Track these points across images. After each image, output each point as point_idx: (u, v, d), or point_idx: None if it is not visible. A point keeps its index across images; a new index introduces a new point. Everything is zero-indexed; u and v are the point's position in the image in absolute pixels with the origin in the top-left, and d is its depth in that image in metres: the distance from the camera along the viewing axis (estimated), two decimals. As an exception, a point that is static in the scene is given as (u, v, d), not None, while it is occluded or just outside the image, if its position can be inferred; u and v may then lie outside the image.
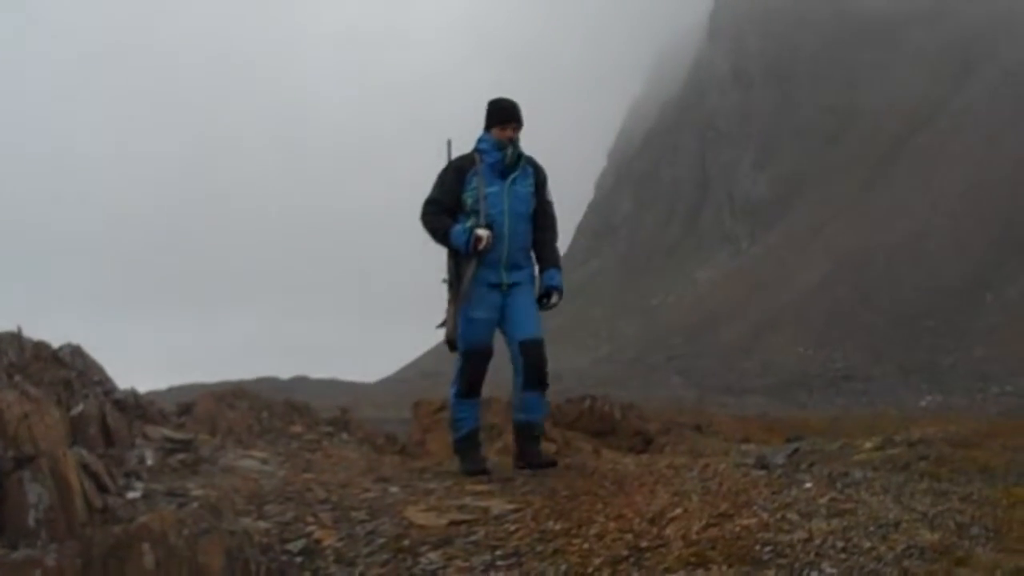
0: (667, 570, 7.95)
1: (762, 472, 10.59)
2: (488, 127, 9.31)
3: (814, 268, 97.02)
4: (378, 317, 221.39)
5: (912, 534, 9.29)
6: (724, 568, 7.62)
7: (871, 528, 9.24)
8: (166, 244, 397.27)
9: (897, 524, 9.57)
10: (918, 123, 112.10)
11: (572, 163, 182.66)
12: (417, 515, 10.10)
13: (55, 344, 12.05)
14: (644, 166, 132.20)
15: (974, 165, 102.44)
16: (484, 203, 8.92)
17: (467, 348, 9.21)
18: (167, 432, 11.72)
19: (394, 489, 11.08)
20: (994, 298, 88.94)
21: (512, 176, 9.14)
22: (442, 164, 9.43)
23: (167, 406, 14.52)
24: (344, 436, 15.81)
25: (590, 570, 8.17)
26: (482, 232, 8.81)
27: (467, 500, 10.59)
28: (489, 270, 9.04)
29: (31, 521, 9.46)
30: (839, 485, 10.70)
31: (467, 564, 8.94)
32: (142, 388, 13.04)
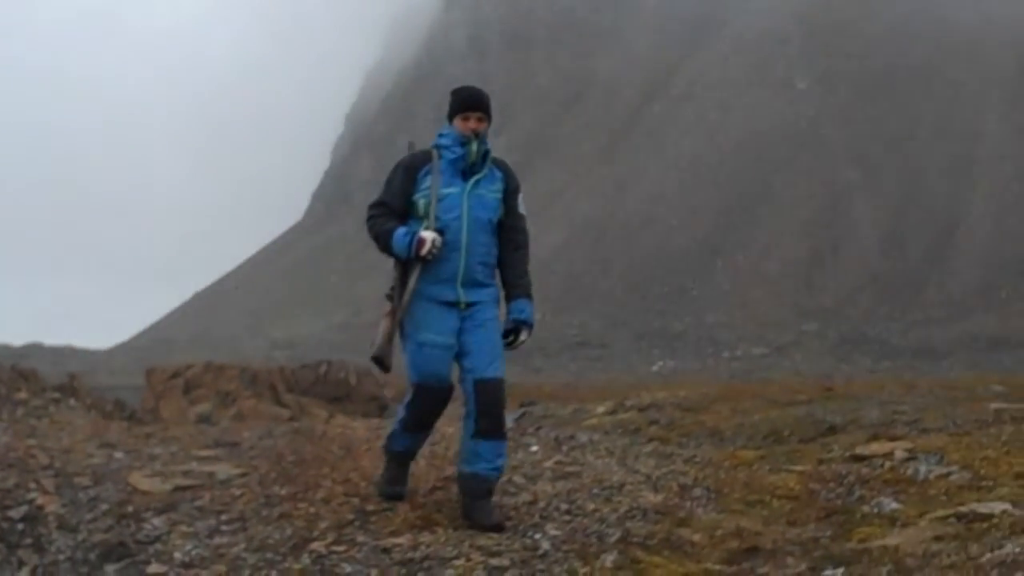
0: (393, 533, 8.00)
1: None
2: (450, 118, 7.83)
3: (551, 235, 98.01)
4: (117, 282, 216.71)
5: (635, 496, 9.51)
6: (449, 531, 7.70)
7: (595, 490, 9.43)
8: None
9: (621, 486, 9.79)
10: (653, 91, 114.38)
11: (309, 128, 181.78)
12: (142, 481, 9.96)
13: None
14: (381, 132, 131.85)
15: (706, 132, 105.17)
16: (437, 206, 7.47)
17: (418, 380, 7.55)
18: None
19: (119, 455, 10.88)
20: (724, 264, 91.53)
21: (476, 177, 7.62)
22: None
23: None
24: (72, 402, 15.52)
25: (315, 534, 8.17)
26: (427, 234, 7.31)
27: (193, 466, 10.46)
28: (442, 286, 7.50)
29: None
30: (565, 448, 10.89)
31: (191, 529, 8.84)
32: None
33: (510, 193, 7.81)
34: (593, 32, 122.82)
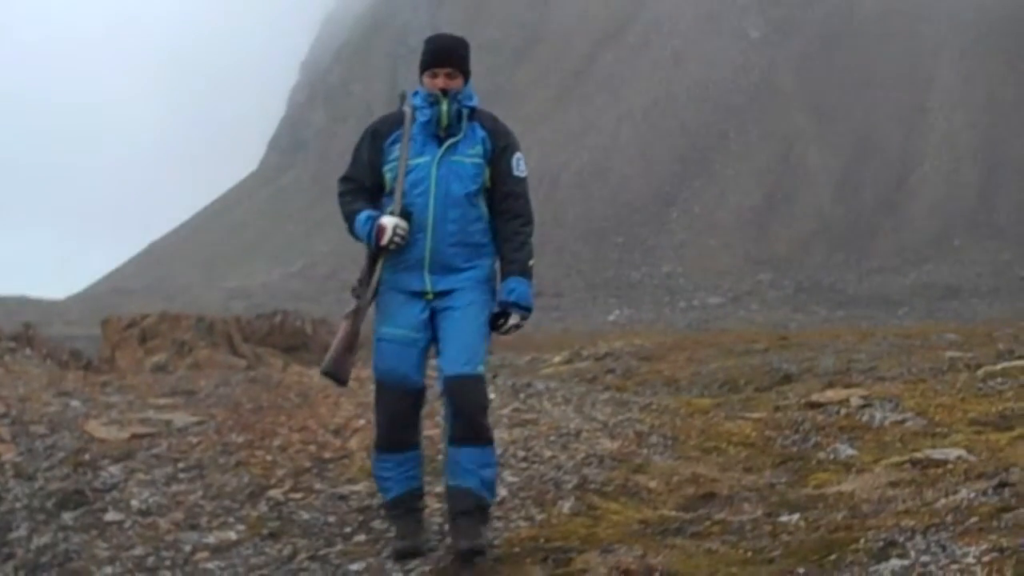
0: (350, 480, 8.03)
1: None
2: (420, 74, 6.65)
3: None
4: (70, 232, 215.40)
5: (592, 443, 9.56)
6: (405, 478, 7.67)
7: (552, 438, 9.48)
8: None
9: (578, 433, 9.84)
10: (606, 40, 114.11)
11: (264, 76, 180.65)
12: (98, 429, 9.95)
13: None
14: (336, 81, 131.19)
15: (660, 82, 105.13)
16: (404, 180, 6.37)
17: (376, 378, 6.57)
18: None
19: (75, 403, 10.87)
20: (679, 214, 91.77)
21: (451, 141, 6.45)
22: None
23: None
24: (27, 352, 15.46)
25: (273, 481, 8.19)
26: (387, 220, 6.27)
27: (150, 414, 10.47)
28: (407, 274, 6.42)
29: None
30: (522, 396, 10.93)
31: (148, 477, 8.85)
32: None
33: (498, 154, 6.58)
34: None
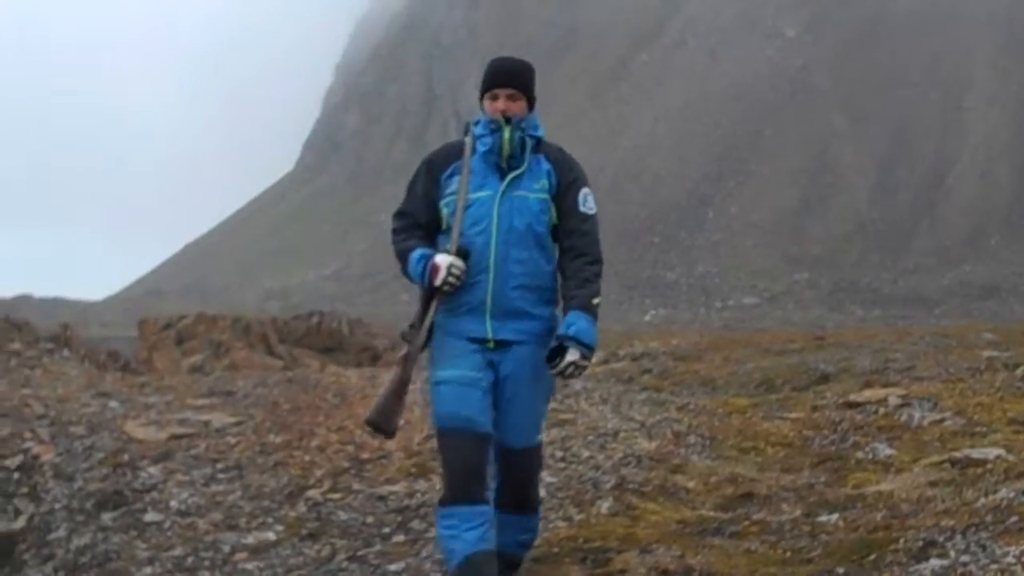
0: (388, 480, 8.04)
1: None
2: (480, 99, 6.00)
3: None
4: (108, 234, 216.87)
5: (630, 443, 9.56)
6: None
7: (590, 438, 9.48)
8: None
9: (615, 434, 9.84)
10: (641, 39, 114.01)
11: (299, 78, 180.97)
12: (137, 429, 10.02)
13: None
14: (371, 83, 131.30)
15: (695, 81, 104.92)
16: (463, 216, 5.67)
17: (438, 425, 5.81)
18: None
19: (114, 404, 10.94)
20: (715, 214, 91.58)
21: (514, 174, 5.75)
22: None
23: None
24: (65, 353, 15.53)
25: (311, 482, 8.21)
26: (441, 259, 5.59)
27: (188, 414, 10.53)
28: (467, 319, 5.70)
29: None
30: (559, 396, 10.91)
31: (187, 478, 8.89)
32: None
33: (564, 189, 5.85)
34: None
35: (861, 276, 79.51)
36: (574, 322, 5.63)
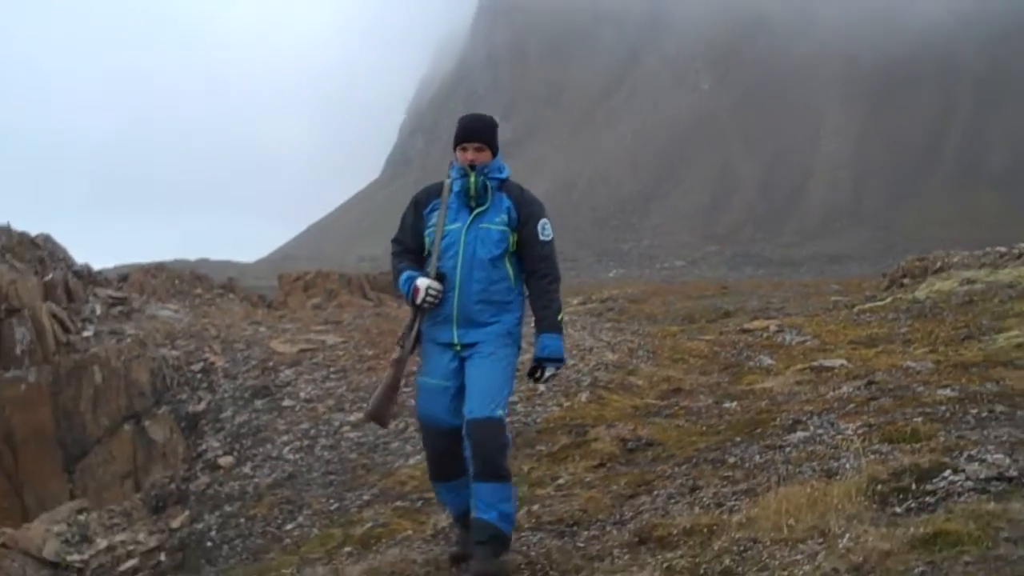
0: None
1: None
2: (454, 148, 5.19)
3: (539, 187, 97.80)
4: (259, 216, 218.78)
5: (600, 355, 9.53)
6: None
7: (574, 352, 9.44)
8: (125, 161, 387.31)
9: (590, 349, 9.81)
10: (607, 91, 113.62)
11: (383, 115, 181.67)
12: (278, 345, 10.01)
13: (33, 233, 11.72)
14: (430, 119, 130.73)
15: (643, 119, 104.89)
16: (440, 244, 4.98)
17: (418, 417, 5.17)
18: (110, 292, 11.40)
19: (263, 329, 10.92)
20: (656, 207, 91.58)
21: (479, 210, 4.96)
22: None
23: (111, 276, 14.13)
24: (231, 296, 15.50)
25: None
26: (422, 282, 4.88)
27: (311, 335, 10.53)
28: (440, 327, 4.94)
29: (18, 351, 9.26)
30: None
31: (311, 377, 8.92)
32: (95, 266, 12.70)
33: (524, 220, 4.99)
34: (567, 51, 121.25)
35: (752, 247, 79.41)
36: (547, 344, 4.87)
